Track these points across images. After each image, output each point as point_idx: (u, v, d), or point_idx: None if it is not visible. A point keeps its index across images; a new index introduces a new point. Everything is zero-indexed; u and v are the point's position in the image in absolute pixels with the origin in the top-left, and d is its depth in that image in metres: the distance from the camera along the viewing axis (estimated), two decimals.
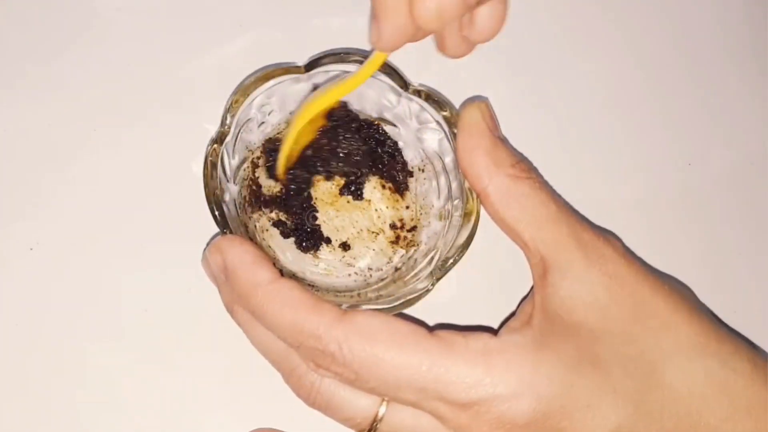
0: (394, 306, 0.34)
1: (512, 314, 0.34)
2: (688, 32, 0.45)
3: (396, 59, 0.34)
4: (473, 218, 0.34)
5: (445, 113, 0.36)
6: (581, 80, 0.44)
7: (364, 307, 0.33)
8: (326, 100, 0.34)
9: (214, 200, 0.33)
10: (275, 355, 0.32)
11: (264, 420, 0.35)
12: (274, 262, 0.35)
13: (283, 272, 0.35)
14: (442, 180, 0.38)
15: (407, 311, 0.34)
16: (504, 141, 0.33)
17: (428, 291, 0.34)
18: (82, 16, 0.41)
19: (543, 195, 0.32)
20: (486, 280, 0.40)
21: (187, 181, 0.37)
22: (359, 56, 0.35)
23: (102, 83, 0.40)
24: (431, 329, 0.31)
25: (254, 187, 0.38)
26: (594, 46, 0.45)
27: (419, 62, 0.36)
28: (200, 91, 0.40)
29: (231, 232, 0.33)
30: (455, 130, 0.35)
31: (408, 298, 0.34)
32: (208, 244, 0.35)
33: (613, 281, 0.31)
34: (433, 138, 0.37)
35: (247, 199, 0.37)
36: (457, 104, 0.37)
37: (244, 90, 0.35)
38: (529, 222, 0.32)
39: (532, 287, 0.33)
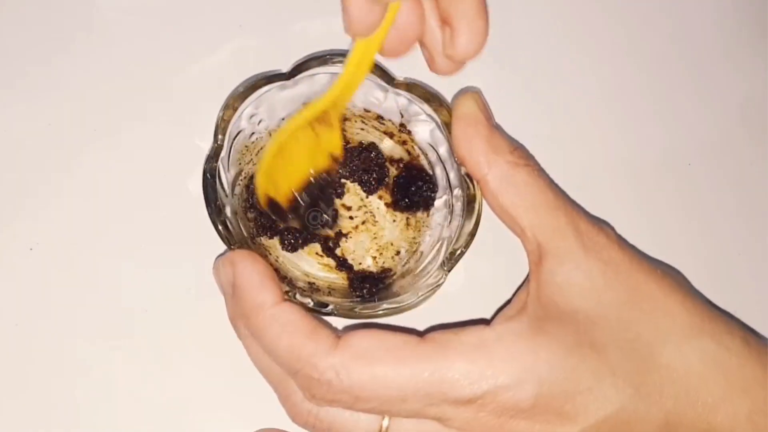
0: (411, 303, 0.34)
1: (508, 302, 0.34)
2: (688, 31, 0.45)
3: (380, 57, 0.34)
4: (477, 205, 0.35)
5: (433, 104, 0.36)
6: (578, 77, 0.44)
7: (385, 305, 0.34)
8: (313, 110, 0.34)
9: (219, 219, 0.33)
10: (273, 377, 0.32)
11: (265, 420, 0.35)
12: (285, 273, 0.36)
13: (292, 279, 0.35)
14: (438, 170, 0.38)
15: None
16: (500, 129, 0.34)
17: (441, 284, 0.34)
18: (82, 16, 0.41)
19: (541, 182, 0.32)
20: (493, 267, 0.40)
21: (188, 180, 0.38)
22: (343, 57, 0.35)
23: (102, 83, 0.40)
24: (423, 333, 0.31)
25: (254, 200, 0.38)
26: (592, 43, 0.45)
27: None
28: (195, 90, 0.40)
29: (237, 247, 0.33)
30: (442, 117, 0.35)
31: (424, 292, 0.34)
32: (222, 254, 0.35)
33: (608, 267, 0.31)
34: (425, 129, 0.37)
35: (249, 214, 0.37)
36: (444, 96, 0.37)
37: (231, 104, 0.35)
38: (527, 208, 0.32)
39: (527, 276, 0.33)
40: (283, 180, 0.37)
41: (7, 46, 0.40)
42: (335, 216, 0.38)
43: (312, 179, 0.37)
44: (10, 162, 0.39)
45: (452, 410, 0.29)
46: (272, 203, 0.37)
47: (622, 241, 0.33)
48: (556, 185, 0.33)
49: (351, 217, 0.39)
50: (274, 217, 0.37)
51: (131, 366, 0.37)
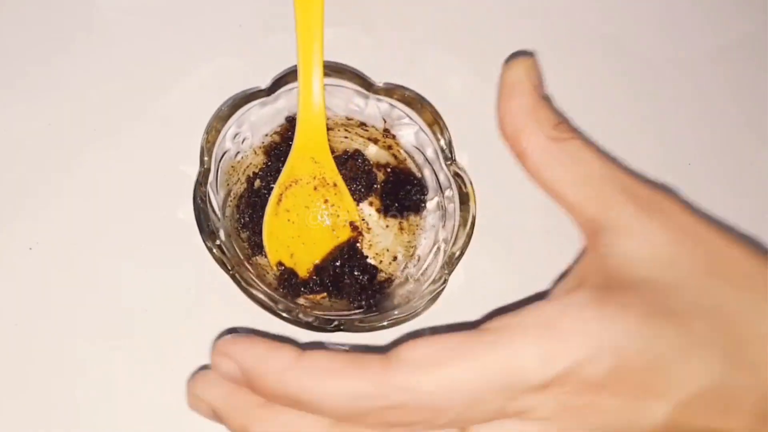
0: (416, 311, 0.33)
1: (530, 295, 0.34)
2: (688, 31, 0.45)
3: (357, 62, 0.34)
4: (471, 205, 0.34)
5: (415, 107, 0.36)
6: (578, 77, 0.44)
7: (391, 314, 0.33)
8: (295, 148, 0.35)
9: (214, 244, 0.33)
10: None
11: None
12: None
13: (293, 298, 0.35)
14: (427, 172, 0.37)
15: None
16: (548, 100, 0.32)
17: (443, 288, 0.34)
18: (82, 16, 0.41)
19: (587, 154, 0.30)
20: (491, 266, 0.39)
21: (187, 181, 0.37)
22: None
23: (102, 83, 0.40)
24: (472, 325, 0.28)
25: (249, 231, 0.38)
26: (591, 42, 0.45)
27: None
28: (195, 90, 0.40)
29: (236, 271, 0.33)
30: (425, 119, 0.35)
31: (427, 298, 0.33)
32: (193, 376, 0.29)
33: (678, 234, 0.29)
34: (409, 132, 0.37)
35: (242, 234, 0.37)
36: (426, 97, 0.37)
37: (214, 126, 0.34)
38: (573, 182, 0.30)
39: (582, 249, 0.31)
40: (300, 252, 0.37)
41: (7, 46, 0.41)
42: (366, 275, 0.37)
43: (332, 257, 0.37)
44: (10, 162, 0.39)
45: (532, 399, 0.27)
46: (287, 272, 0.37)
47: (687, 206, 0.30)
48: (607, 155, 0.31)
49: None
50: (286, 286, 0.36)
51: (131, 366, 0.37)
